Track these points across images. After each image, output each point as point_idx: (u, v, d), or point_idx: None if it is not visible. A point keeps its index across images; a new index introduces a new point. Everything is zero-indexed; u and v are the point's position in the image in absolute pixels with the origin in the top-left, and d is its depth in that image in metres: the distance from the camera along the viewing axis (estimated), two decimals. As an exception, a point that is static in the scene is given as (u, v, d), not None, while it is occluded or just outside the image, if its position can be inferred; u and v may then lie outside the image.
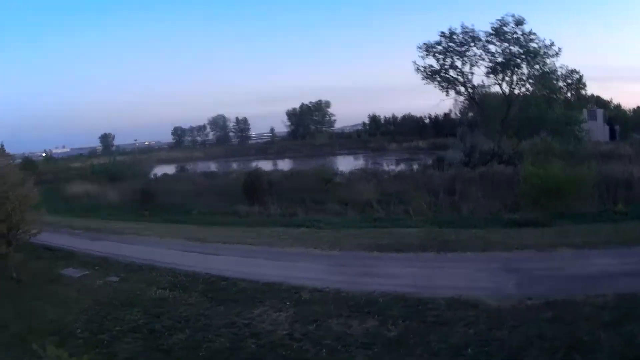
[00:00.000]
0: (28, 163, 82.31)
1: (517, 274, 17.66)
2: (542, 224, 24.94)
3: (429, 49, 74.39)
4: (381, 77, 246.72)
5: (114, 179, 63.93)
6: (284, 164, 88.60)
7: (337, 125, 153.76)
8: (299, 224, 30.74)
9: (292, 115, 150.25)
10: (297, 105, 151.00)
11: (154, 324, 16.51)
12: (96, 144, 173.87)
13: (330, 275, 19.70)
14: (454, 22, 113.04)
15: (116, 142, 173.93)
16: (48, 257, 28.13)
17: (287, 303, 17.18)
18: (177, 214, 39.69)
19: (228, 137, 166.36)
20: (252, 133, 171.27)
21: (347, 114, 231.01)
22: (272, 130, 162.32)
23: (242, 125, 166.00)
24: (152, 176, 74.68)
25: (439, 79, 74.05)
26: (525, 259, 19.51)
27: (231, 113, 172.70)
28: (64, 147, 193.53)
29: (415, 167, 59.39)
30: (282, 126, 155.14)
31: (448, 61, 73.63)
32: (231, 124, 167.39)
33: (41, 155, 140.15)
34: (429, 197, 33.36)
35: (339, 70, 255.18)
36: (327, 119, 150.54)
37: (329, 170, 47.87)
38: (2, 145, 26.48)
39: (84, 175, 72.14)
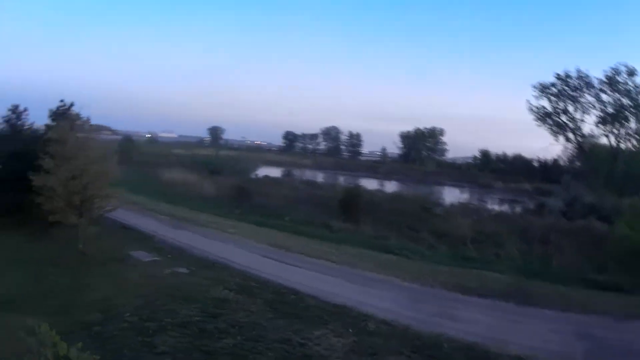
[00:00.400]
0: (127, 141, 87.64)
1: (589, 342, 17.26)
2: (628, 291, 23.41)
3: (543, 89, 78.71)
4: (496, 111, 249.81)
5: (213, 172, 66.29)
6: (391, 186, 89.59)
7: (448, 155, 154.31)
8: (388, 249, 30.55)
9: (405, 137, 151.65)
10: (411, 128, 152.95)
11: (207, 324, 16.53)
12: (205, 134, 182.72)
13: (403, 309, 19.60)
14: (569, 64, 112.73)
15: (225, 136, 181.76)
16: (123, 236, 29.65)
17: (350, 330, 16.80)
18: (270, 217, 40.16)
19: (339, 150, 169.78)
20: (364, 149, 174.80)
21: (459, 144, 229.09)
22: (383, 149, 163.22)
23: (355, 140, 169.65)
24: (254, 176, 76.35)
25: (550, 122, 77.76)
26: (601, 326, 18.98)
27: (345, 126, 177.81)
28: (171, 132, 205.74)
29: (517, 209, 59.29)
30: (393, 147, 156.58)
31: (561, 105, 77.14)
32: (343, 137, 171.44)
33: (145, 136, 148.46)
34: (523, 244, 33.22)
35: (456, 98, 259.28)
36: (439, 147, 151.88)
37: (431, 200, 47.04)
38: (88, 119, 27.87)
39: (184, 163, 75.31)
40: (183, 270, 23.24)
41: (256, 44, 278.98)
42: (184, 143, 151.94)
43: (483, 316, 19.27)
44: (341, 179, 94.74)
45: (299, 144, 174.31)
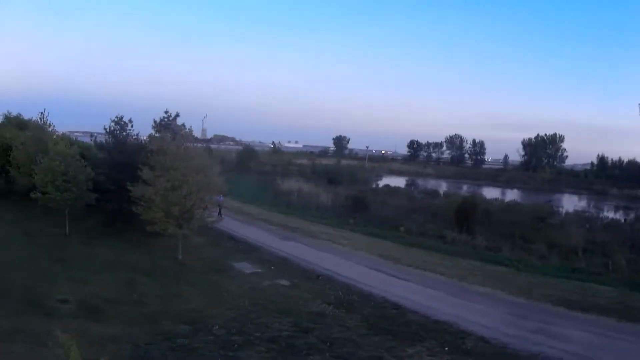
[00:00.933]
0: (248, 151, 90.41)
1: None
2: None
3: None
4: (616, 116, 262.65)
5: (332, 182, 66.58)
6: (511, 194, 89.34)
7: (568, 162, 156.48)
8: (498, 260, 30.08)
9: (526, 145, 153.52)
10: (532, 135, 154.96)
11: (297, 339, 16.25)
12: (330, 144, 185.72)
13: (504, 325, 18.85)
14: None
15: (350, 145, 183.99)
16: (228, 246, 30.30)
17: (446, 348, 16.01)
18: (384, 227, 39.66)
19: (463, 158, 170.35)
20: (487, 157, 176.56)
21: (579, 150, 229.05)
22: (505, 157, 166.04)
23: (478, 148, 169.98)
24: (374, 185, 76.14)
25: None
26: None
27: (469, 134, 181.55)
28: (296, 142, 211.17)
29: (630, 217, 57.17)
30: (516, 154, 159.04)
31: (670, 108, 72.85)
32: (467, 146, 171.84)
33: (269, 146, 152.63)
34: (632, 254, 32.15)
35: (576, 104, 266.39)
36: (560, 154, 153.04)
37: (546, 209, 44.78)
38: (190, 129, 28.51)
39: (303, 173, 76.61)
40: (284, 282, 23.22)
41: (383, 55, 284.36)
42: (307, 153, 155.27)
43: (582, 333, 18.40)
44: (464, 188, 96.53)
45: (423, 153, 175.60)
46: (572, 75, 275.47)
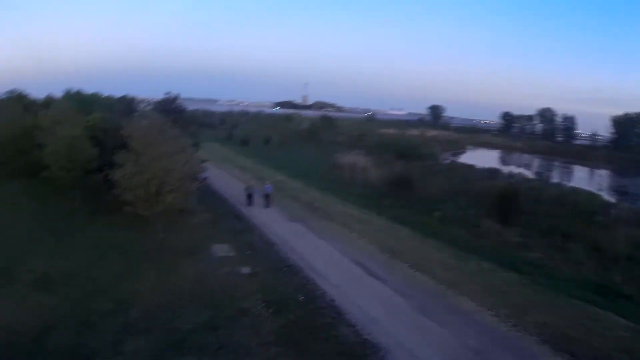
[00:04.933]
0: (324, 120, 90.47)
1: None
2: None
3: None
4: None
5: (400, 157, 64.97)
6: (598, 177, 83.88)
7: None
8: (516, 264, 25.96)
9: (616, 122, 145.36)
10: (621, 112, 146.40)
11: (192, 336, 16.78)
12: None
13: None
14: None
15: (448, 113, 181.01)
16: (225, 226, 30.76)
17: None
18: (418, 212, 37.34)
19: (553, 133, 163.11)
20: (581, 132, 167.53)
21: None
22: (594, 134, 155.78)
23: (568, 123, 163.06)
24: (445, 160, 74.40)
25: None
26: None
27: (561, 108, 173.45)
28: (401, 109, 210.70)
29: None
30: (604, 131, 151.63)
31: None
32: (558, 120, 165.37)
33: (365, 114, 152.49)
34: None
35: None
36: None
37: (597, 201, 39.18)
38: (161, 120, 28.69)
39: (370, 146, 75.08)
40: (245, 270, 23.05)
41: (476, 25, 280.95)
42: (399, 122, 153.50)
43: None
44: (553, 166, 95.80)
45: (516, 125, 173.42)
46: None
